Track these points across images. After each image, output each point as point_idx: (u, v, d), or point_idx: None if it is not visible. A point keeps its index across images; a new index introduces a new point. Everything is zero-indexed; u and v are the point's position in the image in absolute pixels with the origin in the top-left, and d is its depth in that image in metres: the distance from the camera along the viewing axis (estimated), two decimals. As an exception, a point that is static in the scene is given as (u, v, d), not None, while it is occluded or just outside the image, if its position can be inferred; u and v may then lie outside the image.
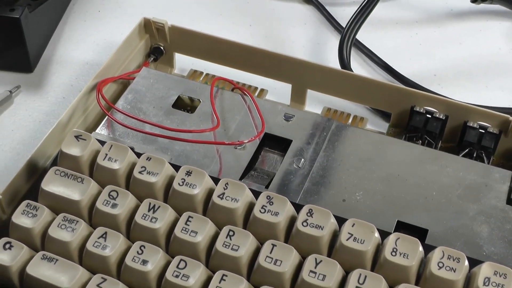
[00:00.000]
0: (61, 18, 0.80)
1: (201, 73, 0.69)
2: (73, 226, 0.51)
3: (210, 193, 0.53)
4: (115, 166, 0.54)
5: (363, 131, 0.61)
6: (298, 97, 0.67)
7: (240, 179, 0.56)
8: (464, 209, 0.54)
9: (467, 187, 0.56)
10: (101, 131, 0.60)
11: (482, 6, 0.77)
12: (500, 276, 0.48)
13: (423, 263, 0.50)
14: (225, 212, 0.52)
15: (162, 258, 0.50)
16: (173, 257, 0.49)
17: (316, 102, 0.66)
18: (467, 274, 0.49)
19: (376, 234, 0.50)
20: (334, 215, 0.51)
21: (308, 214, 0.51)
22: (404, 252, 0.49)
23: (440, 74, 0.74)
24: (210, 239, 0.51)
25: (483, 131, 0.60)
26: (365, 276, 0.48)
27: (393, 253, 0.49)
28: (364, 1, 0.73)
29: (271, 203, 0.51)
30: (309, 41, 0.78)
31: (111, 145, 0.55)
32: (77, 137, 0.56)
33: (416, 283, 0.49)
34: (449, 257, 0.49)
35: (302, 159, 0.57)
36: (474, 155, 0.60)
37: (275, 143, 0.59)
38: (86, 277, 0.49)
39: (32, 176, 0.58)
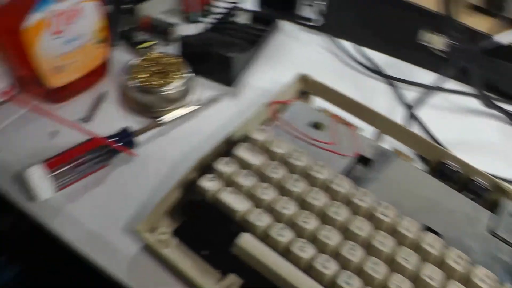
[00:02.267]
0: (252, 61, 0.81)
1: (326, 109, 0.67)
2: (249, 178, 0.52)
3: (330, 180, 0.53)
4: (280, 151, 0.54)
5: (411, 166, 0.59)
6: (378, 137, 0.65)
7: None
8: (463, 229, 0.52)
9: (466, 216, 0.54)
10: (269, 129, 0.60)
11: (490, 110, 0.75)
12: (488, 278, 0.47)
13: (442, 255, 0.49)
14: (336, 193, 0.52)
15: (296, 209, 0.50)
16: (301, 210, 0.51)
17: (387, 143, 0.64)
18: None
19: (419, 230, 0.50)
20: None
21: (384, 208, 0.51)
22: (434, 245, 0.48)
23: (459, 145, 0.71)
24: (324, 206, 0.51)
25: (480, 185, 0.58)
26: (409, 253, 0.48)
27: (428, 245, 0.48)
28: (425, 92, 0.72)
29: (365, 195, 0.51)
30: (386, 106, 0.77)
31: (279, 139, 0.56)
32: (261, 129, 0.56)
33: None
34: (459, 256, 0.48)
35: (376, 173, 0.56)
36: (472, 198, 0.57)
37: (363, 160, 0.58)
38: (250, 208, 0.50)
39: (227, 144, 0.58)
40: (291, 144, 0.57)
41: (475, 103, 0.76)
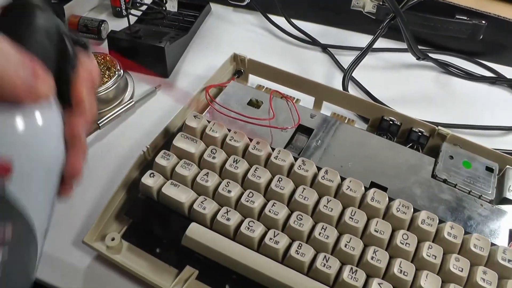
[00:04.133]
0: (186, 48, 0.78)
1: (263, 86, 0.66)
2: (189, 167, 0.50)
3: (269, 155, 0.51)
4: (216, 135, 0.52)
5: (353, 128, 0.59)
6: (318, 105, 0.64)
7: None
8: (408, 178, 0.52)
9: (409, 166, 0.54)
10: (206, 114, 0.58)
11: (422, 62, 0.76)
12: (430, 219, 0.47)
13: (388, 207, 0.48)
14: (277, 167, 0.50)
15: (239, 190, 0.49)
16: (245, 190, 0.49)
17: (328, 109, 0.65)
18: (411, 216, 0.48)
19: (362, 188, 0.49)
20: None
21: (325, 172, 0.49)
22: (378, 199, 0.48)
23: (397, 100, 0.72)
24: (268, 181, 0.49)
25: (420, 134, 0.58)
26: (355, 212, 0.46)
27: (372, 200, 0.48)
28: (357, 55, 0.71)
29: (304, 164, 0.50)
30: (325, 74, 0.76)
31: (214, 123, 0.53)
32: (195, 116, 0.54)
33: (383, 218, 0.48)
34: (403, 205, 0.48)
35: (319, 141, 0.56)
36: (415, 147, 0.58)
37: (304, 130, 0.57)
38: (194, 197, 0.48)
39: (166, 136, 0.56)
40: (226, 127, 0.55)
41: (407, 58, 0.76)
